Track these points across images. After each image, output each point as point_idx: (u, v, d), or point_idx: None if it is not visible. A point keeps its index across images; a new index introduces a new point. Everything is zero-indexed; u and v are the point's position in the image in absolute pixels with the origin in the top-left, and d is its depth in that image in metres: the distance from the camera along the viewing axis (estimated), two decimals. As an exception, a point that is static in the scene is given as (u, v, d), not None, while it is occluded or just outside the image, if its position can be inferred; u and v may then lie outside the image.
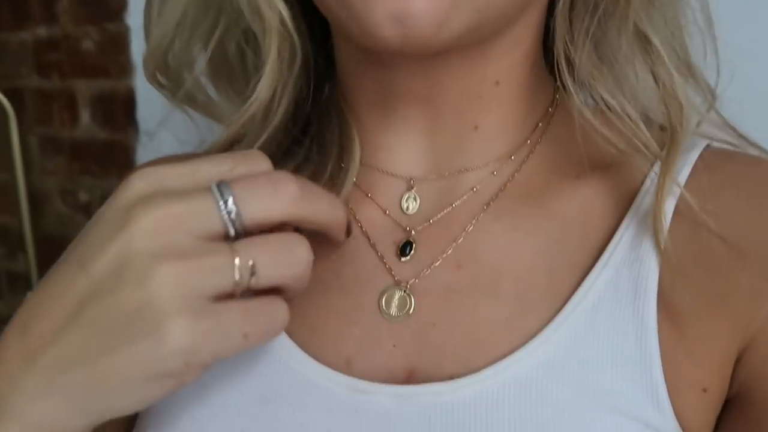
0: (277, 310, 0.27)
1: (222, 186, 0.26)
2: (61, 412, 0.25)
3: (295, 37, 0.33)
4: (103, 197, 1.04)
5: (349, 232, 0.31)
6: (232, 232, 0.26)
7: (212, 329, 0.25)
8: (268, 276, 0.26)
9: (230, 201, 0.25)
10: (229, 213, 0.25)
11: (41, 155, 1.08)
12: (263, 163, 0.28)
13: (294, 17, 0.33)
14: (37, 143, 1.08)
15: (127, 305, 0.24)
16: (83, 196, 1.04)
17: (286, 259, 0.26)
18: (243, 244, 0.26)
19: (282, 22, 0.32)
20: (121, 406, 0.25)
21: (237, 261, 0.25)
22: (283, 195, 0.26)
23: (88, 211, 1.04)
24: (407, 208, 0.34)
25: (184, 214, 0.25)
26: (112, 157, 0.98)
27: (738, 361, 0.29)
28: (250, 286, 0.26)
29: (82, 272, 0.25)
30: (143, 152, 0.92)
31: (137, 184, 0.26)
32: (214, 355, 0.25)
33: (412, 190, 0.34)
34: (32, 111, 1.09)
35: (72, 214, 1.06)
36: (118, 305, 0.24)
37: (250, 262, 0.25)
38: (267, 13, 0.32)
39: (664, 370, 0.28)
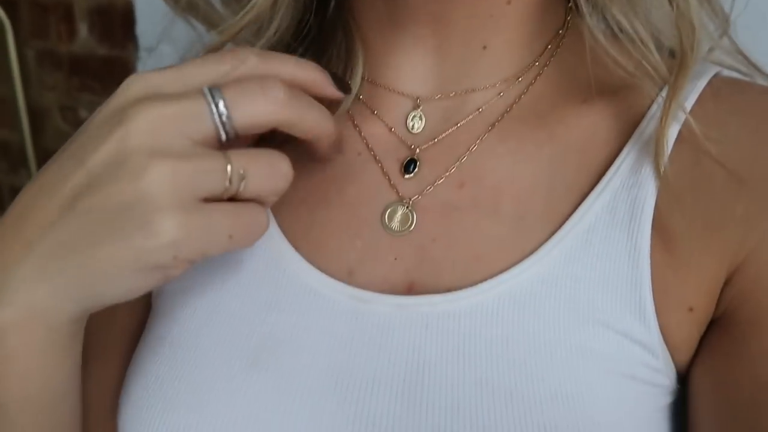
0: (259, 214, 0.28)
1: (213, 90, 0.26)
2: (54, 298, 0.26)
3: None
4: (103, 114, 1.03)
5: (339, 148, 0.31)
6: (223, 135, 0.26)
7: (201, 226, 0.26)
8: (254, 186, 0.27)
9: (221, 104, 0.26)
10: (220, 116, 0.26)
11: (39, 69, 1.06)
12: (251, 59, 0.28)
13: None
14: (35, 57, 1.06)
15: (120, 198, 0.25)
16: (83, 113, 1.03)
17: (272, 173, 0.27)
18: (235, 153, 0.26)
19: None
20: (111, 294, 0.26)
21: (229, 168, 0.26)
22: (273, 98, 0.27)
23: (88, 128, 1.04)
24: (412, 126, 0.34)
25: (178, 114, 0.26)
26: (111, 73, 0.96)
27: (726, 283, 0.29)
28: (237, 194, 0.27)
29: (79, 166, 0.26)
30: (143, 69, 0.90)
31: (132, 87, 0.27)
32: (202, 252, 0.26)
33: (418, 109, 0.34)
34: (28, 23, 1.06)
35: (72, 131, 1.06)
36: (112, 198, 0.25)
37: (241, 171, 0.26)
38: None
39: (653, 290, 0.29)
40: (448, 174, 0.32)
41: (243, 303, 0.32)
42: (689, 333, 0.30)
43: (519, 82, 0.34)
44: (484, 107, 0.33)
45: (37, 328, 0.26)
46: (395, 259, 0.31)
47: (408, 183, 0.33)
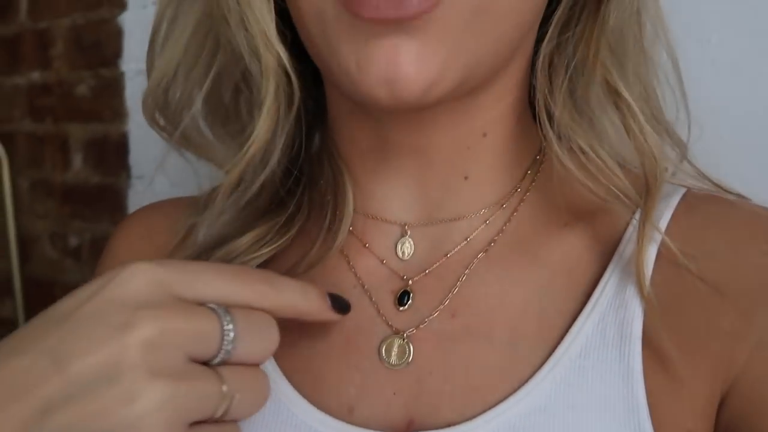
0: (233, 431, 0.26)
1: (226, 316, 0.25)
2: None
3: (294, 78, 0.33)
4: (93, 241, 1.04)
5: (343, 309, 0.31)
6: (218, 360, 0.25)
7: None
8: (240, 409, 0.26)
9: (231, 335, 0.25)
10: (227, 347, 0.25)
11: (32, 198, 1.08)
12: (263, 288, 0.27)
13: (292, 60, 0.33)
14: (28, 186, 1.08)
15: (103, 423, 0.22)
16: (73, 241, 1.04)
17: (259, 395, 0.27)
18: (229, 373, 0.25)
19: (280, 63, 0.32)
20: None
21: (225, 388, 0.25)
22: (272, 342, 0.27)
23: (77, 255, 1.04)
24: (403, 253, 0.35)
25: (187, 332, 0.24)
26: (103, 201, 0.98)
27: (722, 405, 0.29)
28: (220, 418, 0.25)
29: (59, 370, 0.22)
30: (134, 197, 0.93)
31: (137, 281, 0.24)
32: None
33: (407, 236, 0.35)
34: (24, 154, 1.09)
35: (61, 258, 1.06)
36: (93, 420, 0.22)
37: (234, 395, 0.25)
38: (265, 55, 0.32)
39: (650, 413, 0.29)
40: (441, 306, 0.33)
41: None
42: None
43: (503, 208, 0.35)
44: (471, 236, 0.34)
45: None
46: (394, 393, 0.31)
47: (403, 315, 0.33)
